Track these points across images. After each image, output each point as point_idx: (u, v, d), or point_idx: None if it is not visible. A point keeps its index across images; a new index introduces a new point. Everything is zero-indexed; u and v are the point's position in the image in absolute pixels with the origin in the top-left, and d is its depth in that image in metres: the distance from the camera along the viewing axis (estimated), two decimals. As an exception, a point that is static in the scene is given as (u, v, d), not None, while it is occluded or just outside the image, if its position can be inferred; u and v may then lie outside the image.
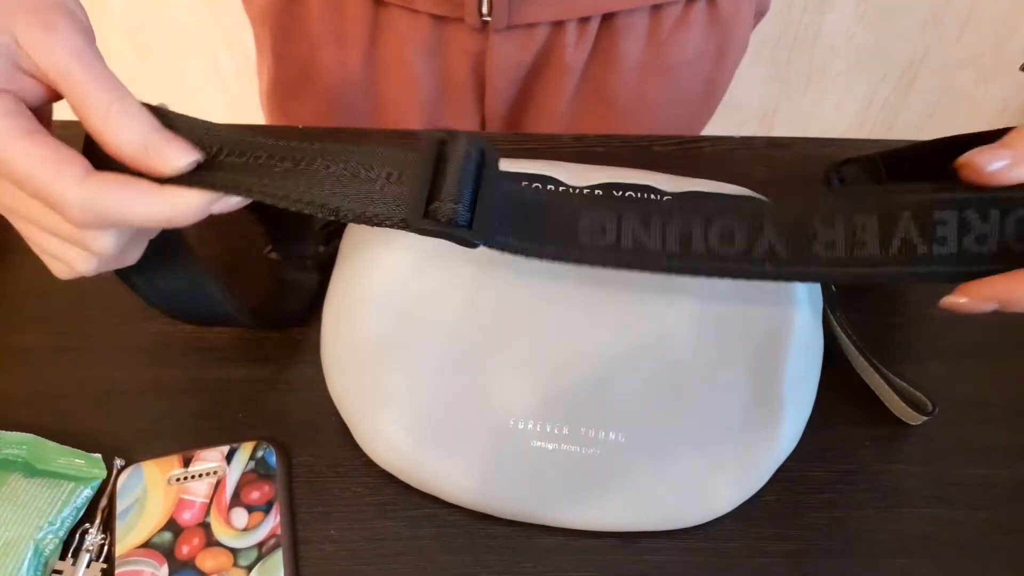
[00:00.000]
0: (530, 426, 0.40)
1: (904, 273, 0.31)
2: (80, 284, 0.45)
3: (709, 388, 0.40)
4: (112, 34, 1.26)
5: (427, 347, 0.40)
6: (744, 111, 1.37)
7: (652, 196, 0.42)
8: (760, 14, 0.66)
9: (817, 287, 0.43)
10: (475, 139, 0.31)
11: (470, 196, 0.30)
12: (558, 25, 0.56)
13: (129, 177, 0.30)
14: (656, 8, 0.56)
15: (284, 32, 0.60)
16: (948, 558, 0.40)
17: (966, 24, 1.24)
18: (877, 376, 0.43)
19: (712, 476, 0.39)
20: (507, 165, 0.44)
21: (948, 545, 0.41)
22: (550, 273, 0.41)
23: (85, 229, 0.30)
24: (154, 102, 0.32)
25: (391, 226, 0.30)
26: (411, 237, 0.31)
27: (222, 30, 1.25)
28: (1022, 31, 1.25)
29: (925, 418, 0.42)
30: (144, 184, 0.30)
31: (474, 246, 0.31)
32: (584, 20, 0.56)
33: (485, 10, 0.53)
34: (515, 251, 0.32)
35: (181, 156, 0.30)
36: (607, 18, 0.56)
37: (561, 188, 0.42)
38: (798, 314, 0.41)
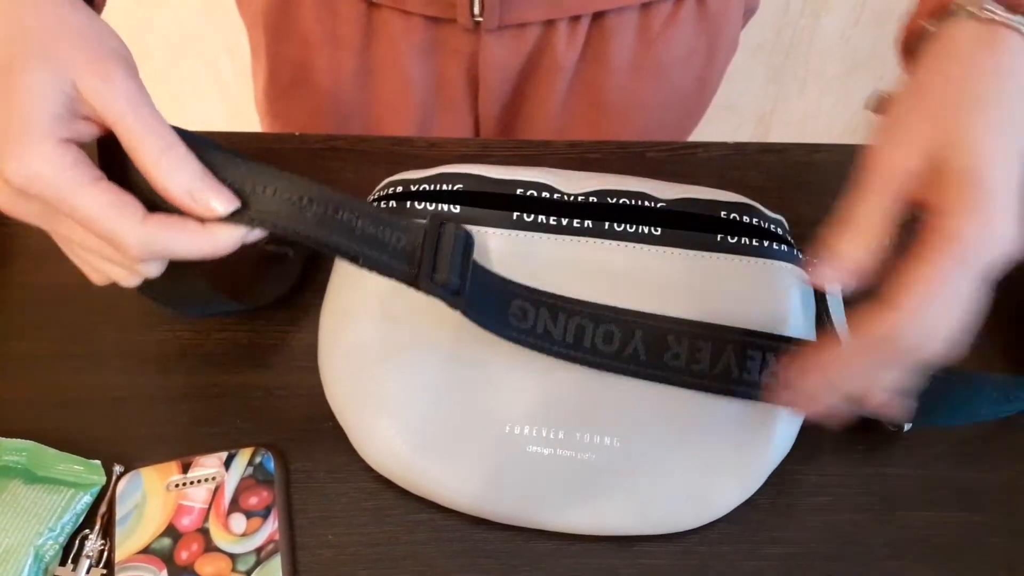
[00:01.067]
0: (526, 431, 0.40)
1: (722, 388, 0.40)
2: (79, 293, 0.46)
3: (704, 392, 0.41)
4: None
5: (423, 354, 0.41)
6: (741, 114, 1.37)
7: (646, 203, 0.43)
8: (750, 12, 0.67)
9: (810, 290, 0.44)
10: (462, 226, 0.40)
11: (459, 270, 0.38)
12: (549, 25, 0.57)
13: (178, 218, 0.34)
14: (646, 6, 0.57)
15: (278, 34, 0.61)
16: (941, 560, 0.41)
17: None
18: None
19: (708, 479, 0.40)
20: (504, 172, 0.44)
21: (941, 548, 0.41)
22: (542, 282, 0.41)
23: (138, 261, 0.35)
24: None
25: (400, 279, 0.37)
26: None
27: (221, 35, 1.26)
28: None
29: (908, 424, 0.42)
30: (191, 224, 0.34)
31: (456, 307, 0.38)
32: (575, 19, 0.57)
33: (477, 10, 0.54)
34: (475, 321, 0.39)
35: (221, 206, 0.34)
36: (597, 17, 0.57)
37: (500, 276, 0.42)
38: (791, 317, 0.42)
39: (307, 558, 0.40)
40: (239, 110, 1.38)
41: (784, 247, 0.43)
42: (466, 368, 0.41)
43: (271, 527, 0.39)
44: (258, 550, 0.39)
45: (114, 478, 0.41)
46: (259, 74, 0.66)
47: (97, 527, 0.40)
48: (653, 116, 0.64)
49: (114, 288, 0.38)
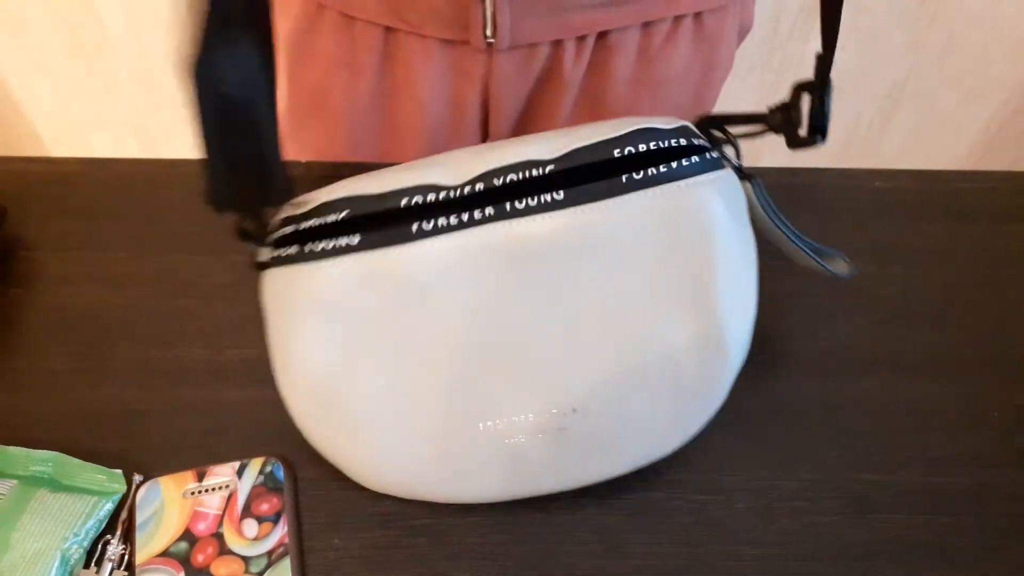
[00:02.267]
0: (498, 424, 0.41)
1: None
2: (97, 313, 0.49)
3: (653, 330, 0.40)
4: (119, 68, 1.30)
5: (379, 371, 0.41)
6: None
7: (535, 171, 0.40)
8: (744, 32, 0.69)
9: (735, 192, 0.41)
10: None
11: None
12: (557, 44, 0.59)
13: None
14: (646, 25, 0.60)
15: (299, 58, 0.63)
16: (911, 560, 0.43)
17: (947, 49, 1.27)
18: (797, 248, 0.44)
19: (677, 405, 0.41)
20: (382, 182, 0.40)
21: (911, 549, 0.44)
22: (476, 280, 0.40)
23: None
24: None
25: None
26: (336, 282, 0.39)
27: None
28: (1001, 55, 1.28)
29: (849, 274, 0.45)
30: None
31: None
32: (581, 38, 0.59)
33: (489, 32, 0.56)
34: None
35: None
36: (601, 36, 0.60)
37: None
38: (717, 227, 0.40)
39: (315, 560, 0.42)
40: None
41: (695, 158, 0.40)
42: (423, 377, 0.40)
43: (281, 531, 0.42)
44: (269, 553, 0.41)
45: (134, 486, 0.43)
46: (280, 99, 0.68)
47: (119, 532, 0.42)
48: None
49: (131, 308, 0.41)
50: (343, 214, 0.40)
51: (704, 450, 0.46)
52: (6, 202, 0.53)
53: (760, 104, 1.34)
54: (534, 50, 0.59)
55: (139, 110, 1.36)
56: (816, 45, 1.26)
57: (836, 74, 1.28)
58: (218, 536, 0.42)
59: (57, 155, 1.43)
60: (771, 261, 0.47)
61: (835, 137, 1.41)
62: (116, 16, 1.21)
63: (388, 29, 0.59)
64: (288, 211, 0.41)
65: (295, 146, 0.71)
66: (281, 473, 0.44)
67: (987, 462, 0.46)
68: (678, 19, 0.60)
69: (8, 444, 0.44)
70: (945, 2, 1.19)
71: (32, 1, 1.20)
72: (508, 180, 0.39)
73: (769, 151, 1.43)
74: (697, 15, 0.60)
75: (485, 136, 0.66)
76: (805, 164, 0.61)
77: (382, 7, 0.57)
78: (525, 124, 0.65)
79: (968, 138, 1.41)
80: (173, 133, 1.40)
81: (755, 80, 1.31)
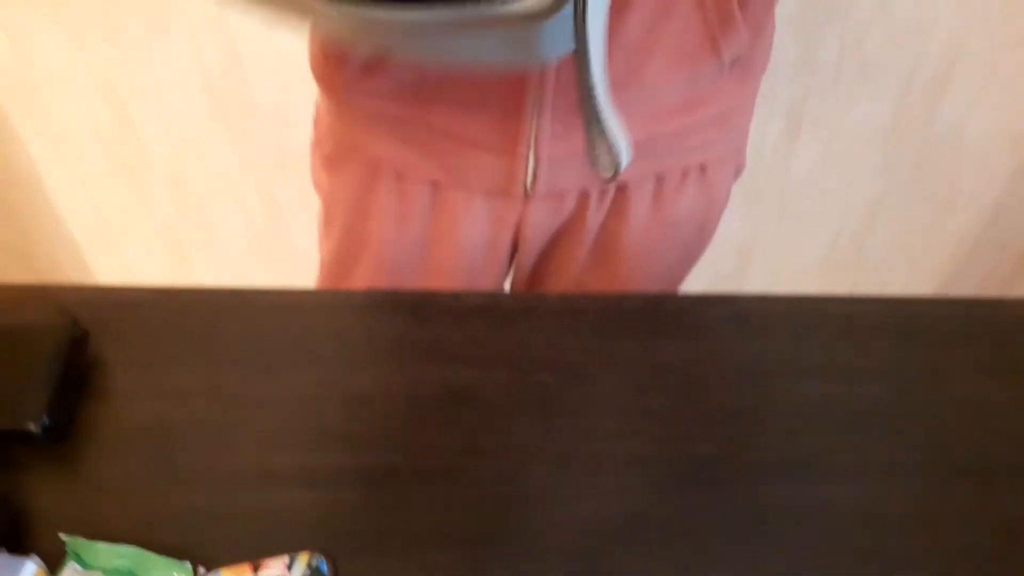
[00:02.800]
0: None
1: None
2: (166, 423, 0.56)
3: None
4: (155, 183, 1.41)
5: None
6: (723, 248, 1.49)
7: None
8: (738, 172, 0.78)
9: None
10: None
11: None
12: (584, 193, 0.68)
13: None
14: (659, 178, 0.69)
15: (356, 212, 0.72)
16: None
17: (920, 167, 1.38)
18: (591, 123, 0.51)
19: None
20: None
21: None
22: None
23: None
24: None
25: None
26: None
27: (256, 180, 1.40)
28: (972, 173, 1.39)
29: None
30: None
31: None
32: (604, 189, 0.68)
33: (528, 184, 0.65)
34: None
35: None
36: (621, 186, 0.69)
37: None
38: None
39: (354, 644, 0.49)
40: (265, 245, 1.51)
41: None
42: None
43: (326, 618, 0.49)
44: (316, 636, 0.48)
45: (199, 577, 0.50)
46: (330, 242, 0.77)
47: (186, 618, 0.49)
48: (661, 261, 0.76)
49: (193, 420, 0.48)
50: None
51: (679, 546, 0.53)
52: (88, 326, 0.61)
53: (743, 218, 1.43)
54: (563, 198, 0.68)
55: (171, 224, 1.47)
56: (798, 163, 1.36)
57: (818, 192, 1.39)
58: (272, 621, 0.48)
59: (91, 262, 1.53)
60: (746, 385, 0.55)
61: (819, 250, 1.51)
62: (156, 135, 1.33)
63: (436, 184, 0.68)
64: None
65: (336, 282, 0.78)
66: (325, 567, 0.51)
67: (940, 560, 0.53)
68: (686, 170, 0.69)
69: (93, 540, 0.51)
70: (915, 124, 1.31)
71: (79, 119, 1.31)
72: None
73: (751, 282, 1.53)
74: (702, 166, 0.70)
75: (510, 268, 0.75)
76: (786, 292, 0.69)
77: (434, 165, 0.66)
78: (548, 259, 0.74)
79: (943, 247, 1.51)
80: (203, 246, 1.50)
81: (741, 198, 1.41)
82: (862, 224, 1.47)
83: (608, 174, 0.52)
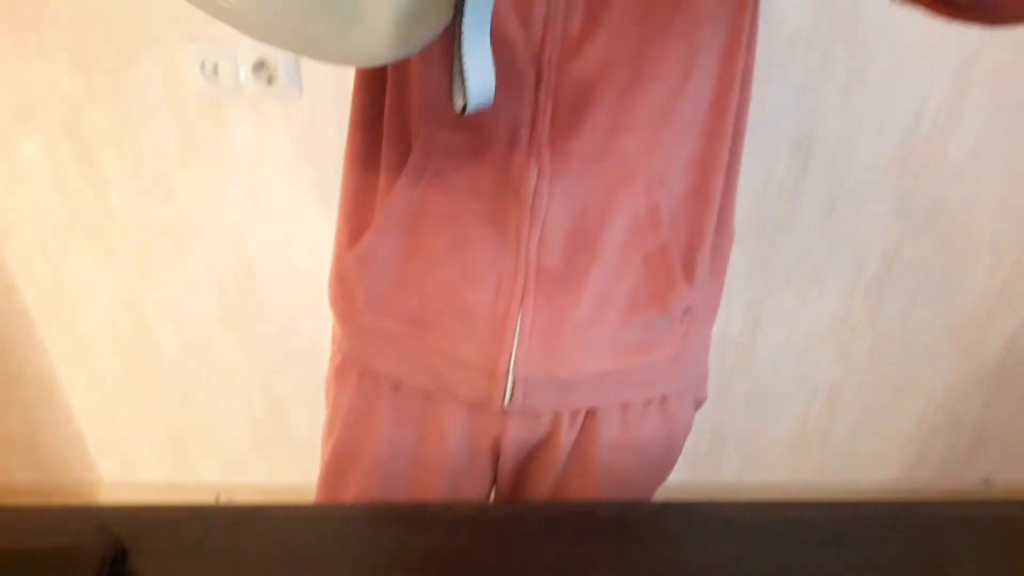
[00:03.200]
0: None
1: None
2: None
3: None
4: (166, 387, 1.49)
5: None
6: (698, 432, 1.57)
7: None
8: (699, 404, 0.87)
9: None
10: None
11: None
12: (557, 414, 0.77)
13: None
14: (625, 405, 0.78)
15: (357, 417, 0.80)
16: None
17: (872, 355, 1.48)
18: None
19: None
20: None
21: None
22: None
23: None
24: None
25: None
26: None
27: (259, 376, 1.49)
28: (919, 361, 1.49)
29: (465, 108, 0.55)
30: None
31: None
32: (575, 412, 0.78)
33: (506, 401, 0.74)
34: None
35: None
36: (591, 411, 0.78)
37: None
38: None
39: None
40: (267, 448, 1.58)
41: None
42: None
43: None
44: None
45: None
46: (327, 446, 0.85)
47: None
48: (631, 477, 0.83)
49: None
50: None
51: None
52: (125, 543, 0.69)
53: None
54: (538, 417, 0.77)
55: (176, 420, 1.54)
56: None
57: (782, 380, 1.49)
58: None
59: (96, 457, 1.59)
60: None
61: (788, 432, 1.59)
62: (169, 340, 1.44)
63: (428, 395, 0.77)
64: None
65: (329, 497, 0.85)
66: None
67: None
68: (648, 400, 0.79)
69: None
70: (863, 317, 1.44)
71: (99, 326, 1.42)
72: None
73: (726, 462, 1.60)
74: (663, 397, 0.80)
75: (494, 477, 0.83)
76: (758, 477, 0.76)
77: (427, 378, 0.76)
78: (528, 469, 0.82)
79: (904, 428, 1.60)
80: (205, 440, 1.57)
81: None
82: (826, 407, 1.56)
83: (458, 108, 0.57)
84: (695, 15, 0.63)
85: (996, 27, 0.53)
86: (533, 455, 0.82)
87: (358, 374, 0.80)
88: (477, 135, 0.66)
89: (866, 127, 1.21)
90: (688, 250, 0.72)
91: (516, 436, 0.79)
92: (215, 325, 1.41)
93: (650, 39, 0.62)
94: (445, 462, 0.81)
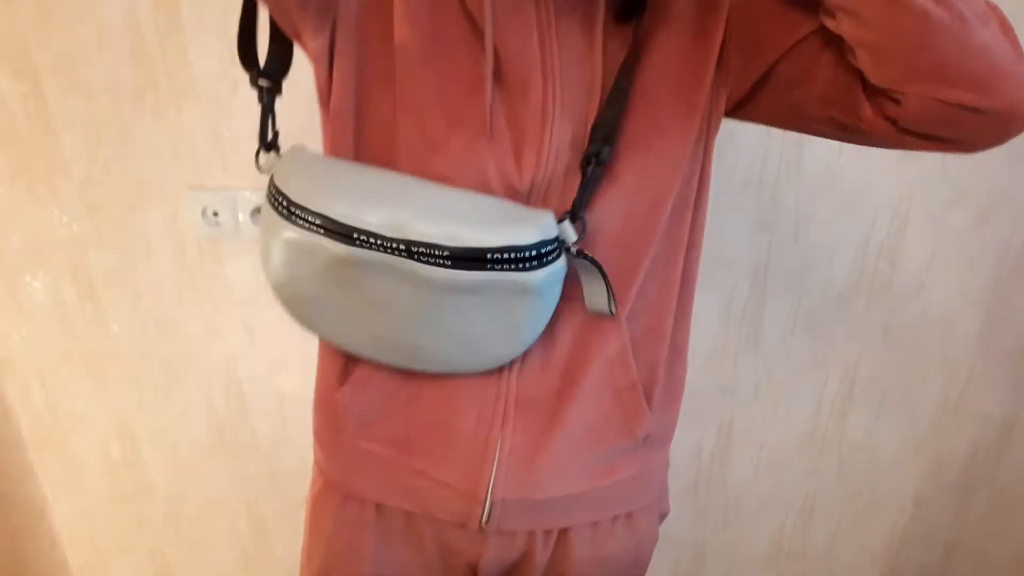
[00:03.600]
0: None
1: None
2: None
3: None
4: (154, 506, 1.52)
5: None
6: (680, 547, 1.60)
7: (436, 251, 0.67)
8: (662, 516, 0.92)
9: (550, 277, 0.70)
10: None
11: None
12: (531, 533, 0.82)
13: None
14: (594, 523, 0.83)
15: (338, 539, 0.84)
16: None
17: (841, 468, 1.52)
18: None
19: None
20: (351, 210, 0.68)
21: None
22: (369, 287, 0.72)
23: None
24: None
25: None
26: None
27: (244, 495, 1.50)
28: (887, 474, 1.53)
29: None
30: None
31: None
32: (549, 531, 0.82)
33: (484, 520, 0.79)
34: None
35: None
36: (563, 530, 0.83)
37: None
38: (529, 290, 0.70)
39: None
40: (254, 561, 1.58)
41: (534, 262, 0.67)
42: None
43: None
44: None
45: None
46: (307, 570, 0.88)
47: None
48: None
49: None
50: (317, 221, 0.67)
51: None
52: None
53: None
54: (514, 536, 0.82)
55: (161, 543, 1.55)
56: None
57: (756, 495, 1.52)
58: None
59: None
60: None
61: (766, 545, 1.61)
62: (159, 464, 1.46)
63: (408, 515, 0.82)
64: (282, 186, 0.69)
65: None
66: None
67: None
68: (615, 517, 0.85)
69: None
70: (830, 434, 1.49)
71: (90, 451, 1.45)
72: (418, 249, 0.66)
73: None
74: (628, 514, 0.85)
75: None
76: None
77: (409, 499, 0.81)
78: None
79: (878, 539, 1.62)
80: (191, 570, 1.58)
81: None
82: (801, 520, 1.58)
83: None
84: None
85: (962, 152, 0.64)
86: (510, 574, 0.86)
87: (341, 497, 0.84)
88: None
89: (818, 258, 1.30)
90: (646, 385, 0.80)
91: (494, 556, 0.83)
92: (204, 449, 1.44)
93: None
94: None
